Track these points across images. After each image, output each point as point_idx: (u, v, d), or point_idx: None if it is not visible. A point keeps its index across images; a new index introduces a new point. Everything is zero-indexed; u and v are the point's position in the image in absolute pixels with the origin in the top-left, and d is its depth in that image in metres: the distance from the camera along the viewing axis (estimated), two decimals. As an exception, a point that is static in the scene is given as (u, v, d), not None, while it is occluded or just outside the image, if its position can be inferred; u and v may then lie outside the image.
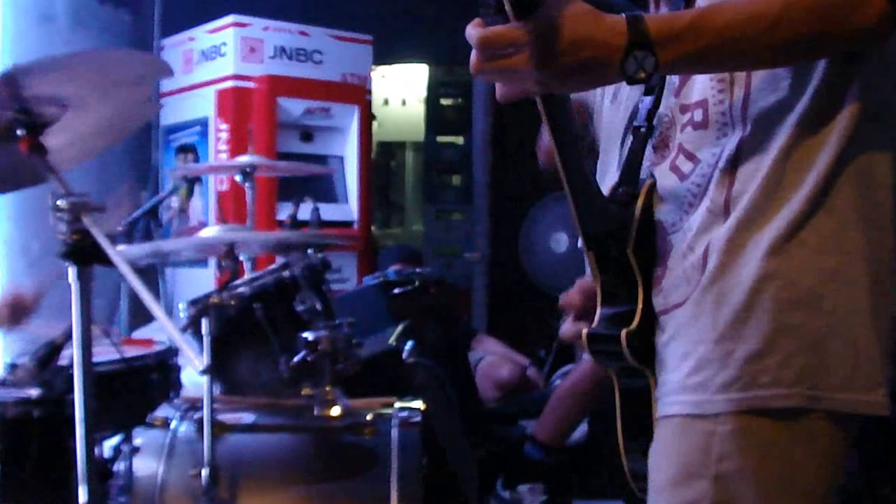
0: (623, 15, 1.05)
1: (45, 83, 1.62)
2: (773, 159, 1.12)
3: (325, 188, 4.38)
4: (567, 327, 1.34)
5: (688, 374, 1.14)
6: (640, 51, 1.04)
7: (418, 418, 2.15)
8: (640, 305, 1.22)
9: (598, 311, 1.27)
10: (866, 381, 1.10)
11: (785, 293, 1.10)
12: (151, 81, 2.02)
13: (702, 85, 1.19)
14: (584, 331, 1.27)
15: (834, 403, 1.09)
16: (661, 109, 1.25)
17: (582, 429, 3.55)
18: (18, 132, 1.61)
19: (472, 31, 1.05)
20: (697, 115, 1.20)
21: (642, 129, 1.27)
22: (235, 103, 4.31)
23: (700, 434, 1.12)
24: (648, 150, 1.26)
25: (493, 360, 4.01)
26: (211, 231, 2.21)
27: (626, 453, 1.28)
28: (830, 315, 1.10)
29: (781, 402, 1.09)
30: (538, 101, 1.17)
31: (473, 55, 1.07)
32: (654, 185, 1.24)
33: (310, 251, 2.32)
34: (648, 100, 1.27)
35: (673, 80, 1.24)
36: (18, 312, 2.29)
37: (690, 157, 1.20)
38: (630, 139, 1.28)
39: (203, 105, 4.41)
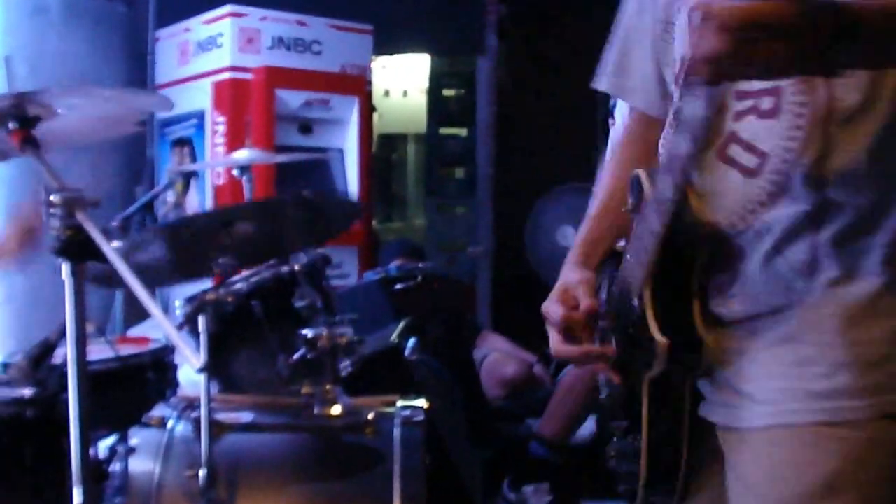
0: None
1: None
2: (874, 159, 1.09)
3: (323, 181, 4.35)
4: (558, 345, 1.29)
5: (813, 380, 1.11)
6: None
7: (421, 417, 2.12)
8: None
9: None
10: None
11: None
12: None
13: None
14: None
15: None
16: None
17: (589, 427, 3.52)
18: (10, 125, 1.57)
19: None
20: (767, 104, 1.13)
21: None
22: (232, 95, 4.28)
23: (840, 443, 1.10)
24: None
25: (497, 357, 3.98)
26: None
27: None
28: None
29: None
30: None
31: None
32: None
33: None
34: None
35: None
36: (29, 234, 2.27)
37: (751, 148, 1.14)
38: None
39: (199, 97, 4.38)
